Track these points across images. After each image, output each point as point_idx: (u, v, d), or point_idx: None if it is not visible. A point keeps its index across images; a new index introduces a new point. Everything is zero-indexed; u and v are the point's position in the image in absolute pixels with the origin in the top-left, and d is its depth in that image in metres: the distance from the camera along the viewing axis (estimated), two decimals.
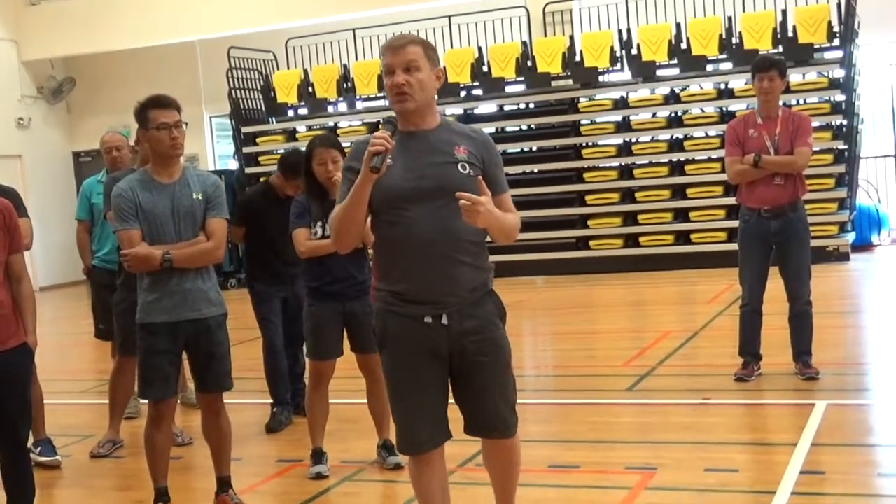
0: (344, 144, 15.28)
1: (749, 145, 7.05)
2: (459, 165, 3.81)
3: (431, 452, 3.96)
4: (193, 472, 6.04)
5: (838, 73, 14.60)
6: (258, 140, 17.52)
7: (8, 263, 4.65)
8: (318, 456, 5.79)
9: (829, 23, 14.80)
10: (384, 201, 3.79)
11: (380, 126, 3.79)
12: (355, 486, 5.61)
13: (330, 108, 17.72)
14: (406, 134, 3.84)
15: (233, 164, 18.75)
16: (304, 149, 6.00)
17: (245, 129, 17.59)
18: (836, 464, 5.44)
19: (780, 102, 7.21)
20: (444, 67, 4.06)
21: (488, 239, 3.94)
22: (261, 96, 18.08)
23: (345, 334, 5.83)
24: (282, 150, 17.46)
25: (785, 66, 7.13)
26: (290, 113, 18.03)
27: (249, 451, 6.27)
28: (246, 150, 17.53)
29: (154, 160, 5.06)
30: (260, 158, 17.38)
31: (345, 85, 17.50)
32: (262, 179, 15.61)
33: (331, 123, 17.49)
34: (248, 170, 17.11)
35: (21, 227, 4.78)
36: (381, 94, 17.28)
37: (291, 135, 17.43)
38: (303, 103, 17.75)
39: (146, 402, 5.16)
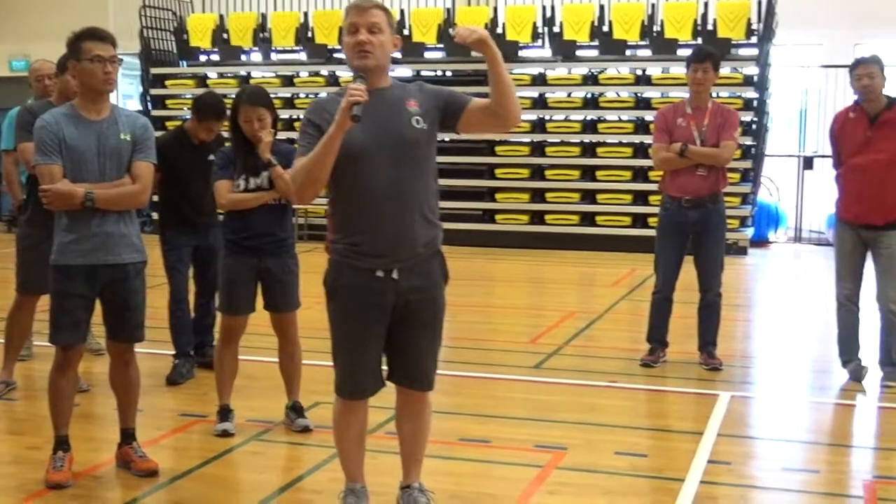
0: None
1: (677, 134, 7.10)
2: (413, 120, 4.03)
3: (365, 400, 4.24)
4: (92, 421, 5.84)
5: (753, 70, 14.87)
6: (167, 83, 17.04)
7: None
8: (224, 413, 5.66)
9: (749, 20, 15.04)
10: (344, 156, 3.94)
11: (354, 81, 3.92)
12: (261, 446, 5.50)
13: (243, 57, 17.33)
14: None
15: (132, 105, 18.19)
16: (217, 91, 5.85)
17: (154, 71, 17.09)
18: (740, 455, 5.54)
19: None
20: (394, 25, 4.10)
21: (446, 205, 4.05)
22: (173, 38, 17.57)
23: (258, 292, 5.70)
24: (191, 95, 17.08)
25: (719, 59, 7.19)
26: (203, 58, 17.59)
27: (150, 403, 6.08)
28: (154, 91, 17.04)
29: (83, 94, 4.82)
30: (168, 102, 16.92)
31: (261, 35, 17.12)
32: (168, 125, 15.32)
33: (243, 73, 17.13)
34: (155, 112, 16.62)
35: None
36: (298, 48, 17.01)
37: (202, 80, 17.00)
38: (216, 49, 17.32)
39: (42, 345, 4.94)
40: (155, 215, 14.03)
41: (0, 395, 6.36)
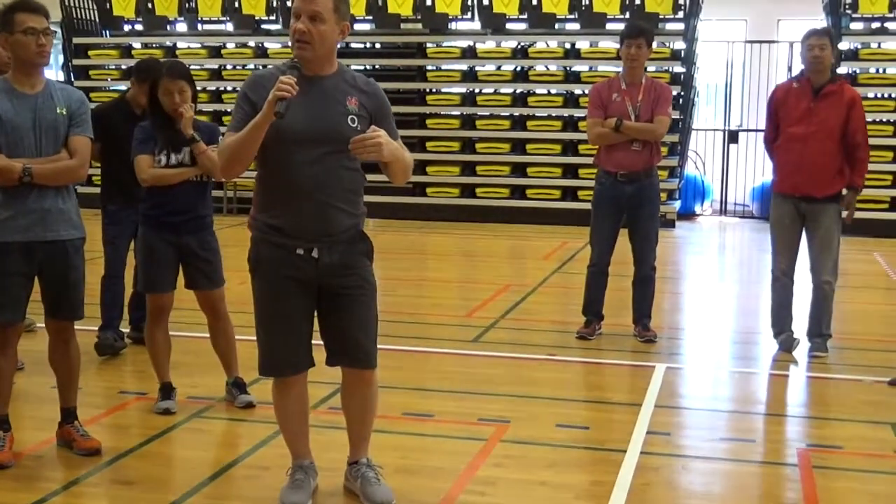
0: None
1: (611, 109, 7.17)
2: (349, 118, 4.00)
3: (292, 378, 4.23)
4: (29, 400, 5.74)
5: (680, 45, 15.06)
6: (90, 53, 16.69)
7: None
8: (166, 391, 5.61)
9: None
10: (274, 139, 3.95)
11: (287, 72, 3.89)
12: (204, 423, 5.47)
13: (169, 28, 17.04)
14: (303, 78, 3.96)
15: (51, 75, 17.76)
16: (156, 57, 5.73)
17: (76, 41, 16.72)
18: (678, 425, 5.66)
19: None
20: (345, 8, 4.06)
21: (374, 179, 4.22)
22: (95, 7, 17.20)
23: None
24: (115, 66, 16.76)
25: (653, 35, 7.28)
26: (127, 28, 17.26)
27: (88, 381, 5.98)
28: (76, 62, 16.68)
29: (16, 67, 4.72)
30: (91, 72, 16.59)
31: (187, 5, 16.86)
32: (91, 96, 15.01)
33: (168, 43, 16.86)
34: (78, 83, 16.24)
35: None
36: (225, 19, 16.78)
37: (127, 51, 16.69)
38: (140, 19, 17.01)
39: None
40: (80, 189, 13.88)
41: None
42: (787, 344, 7.03)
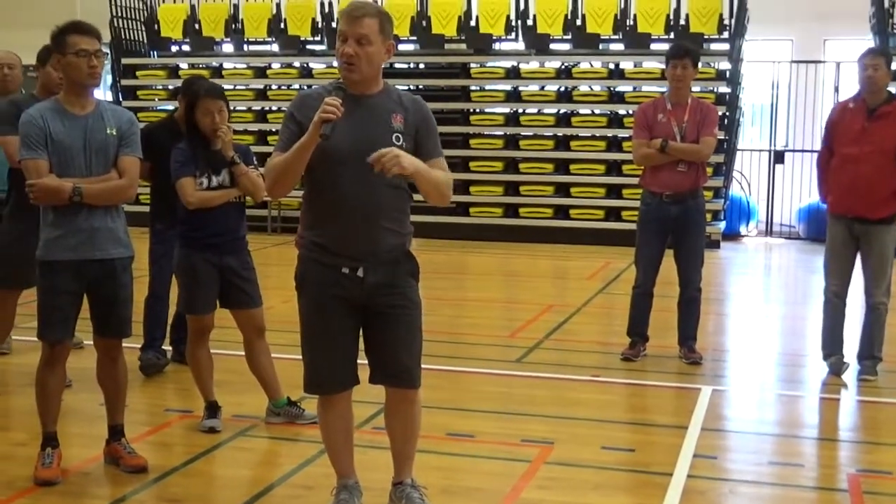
0: (227, 87, 14.83)
1: (657, 130, 7.13)
2: (394, 136, 4.00)
3: (337, 395, 4.24)
4: (77, 418, 5.79)
5: (725, 65, 14.98)
6: (138, 73, 16.91)
7: None
8: (211, 409, 5.64)
9: (721, 15, 15.14)
10: (320, 159, 3.98)
11: (333, 93, 3.91)
12: (249, 442, 5.49)
13: (215, 48, 17.23)
14: (349, 97, 3.98)
15: (99, 95, 18.00)
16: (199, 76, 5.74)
17: (125, 61, 16.95)
18: (725, 449, 5.61)
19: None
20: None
21: (420, 198, 4.17)
22: (144, 28, 17.43)
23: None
24: (162, 87, 16.97)
25: (698, 55, 7.24)
26: (174, 48, 17.47)
27: (135, 399, 6.02)
28: (124, 82, 16.90)
29: (67, 88, 4.79)
30: (139, 92, 16.79)
31: (233, 26, 17.04)
32: (139, 116, 15.19)
33: (215, 64, 17.04)
34: (125, 103, 16.45)
35: None
36: (271, 40, 16.94)
37: (174, 71, 16.89)
38: (187, 40, 17.22)
39: (20, 339, 4.89)
40: (127, 207, 14.02)
41: None
42: (836, 367, 6.93)
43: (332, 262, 4.06)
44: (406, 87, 16.33)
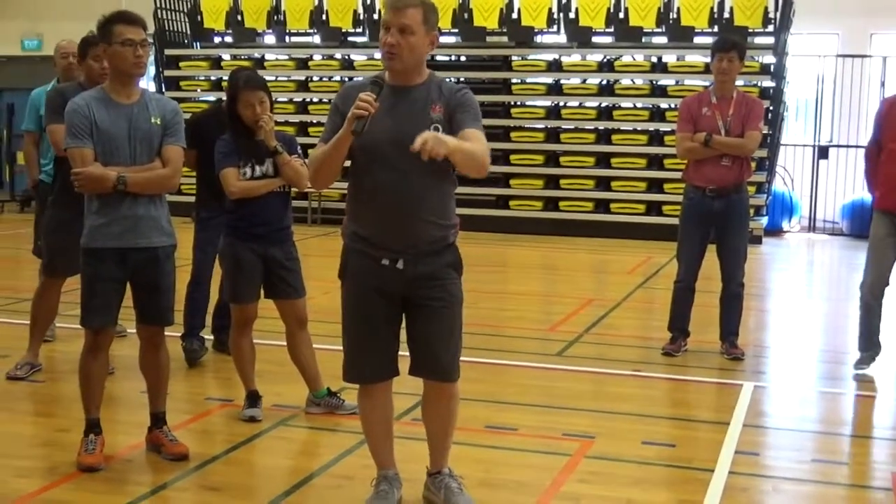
0: (269, 78, 14.89)
1: (701, 123, 7.07)
2: (433, 127, 3.95)
3: (376, 385, 4.26)
4: (118, 405, 5.84)
5: (769, 59, 14.84)
6: (181, 64, 17.02)
7: None
8: (252, 399, 5.66)
9: (766, 9, 14.99)
10: (361, 150, 3.99)
11: (370, 87, 3.90)
12: (289, 432, 5.51)
13: (257, 40, 17.31)
14: (391, 87, 3.99)
15: (144, 86, 18.17)
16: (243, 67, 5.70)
17: (168, 52, 17.07)
18: (767, 446, 5.54)
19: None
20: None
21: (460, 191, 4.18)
22: (187, 19, 17.55)
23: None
24: (204, 77, 17.07)
25: (744, 49, 7.17)
26: (217, 39, 17.58)
27: (176, 387, 6.04)
28: (167, 73, 17.02)
29: (113, 78, 4.82)
30: (181, 83, 16.91)
31: (275, 17, 17.11)
32: (182, 106, 15.31)
33: (257, 55, 17.13)
34: (168, 93, 16.57)
35: None
36: (313, 31, 16.99)
37: (216, 62, 16.99)
38: (230, 31, 17.31)
39: (64, 326, 4.93)
40: (170, 198, 14.12)
41: (26, 377, 6.37)
42: (865, 362, 6.85)
43: (373, 254, 4.06)
44: (447, 80, 16.35)
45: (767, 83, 14.75)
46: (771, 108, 14.51)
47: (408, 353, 4.25)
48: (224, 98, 6.70)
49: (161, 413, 5.07)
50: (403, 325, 4.25)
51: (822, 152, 15.73)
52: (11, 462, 4.91)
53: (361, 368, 4.23)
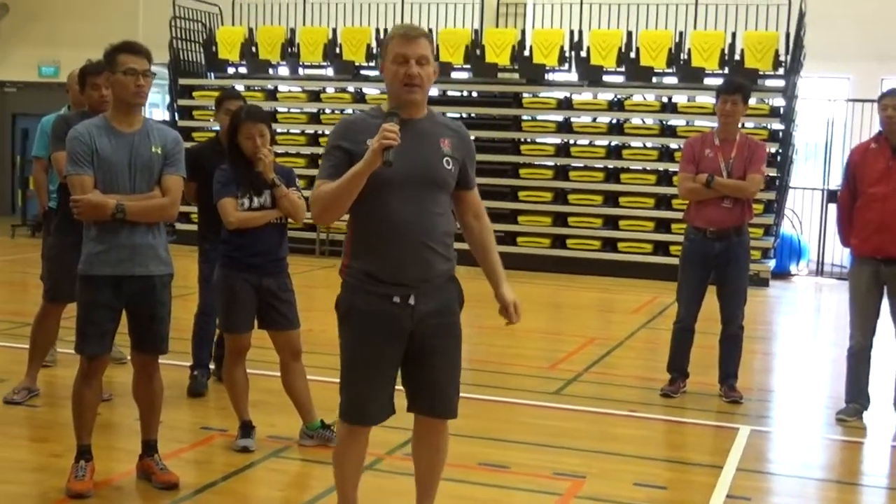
0: (281, 110, 14.92)
1: (703, 165, 7.09)
2: (444, 160, 3.99)
3: (370, 427, 4.16)
4: (113, 431, 5.87)
5: (779, 101, 14.86)
6: (194, 94, 17.15)
7: None
8: (245, 429, 5.67)
9: (777, 51, 15.04)
10: (371, 185, 3.88)
11: (386, 118, 3.86)
12: (281, 463, 5.51)
13: (271, 71, 17.44)
14: (400, 122, 3.95)
15: (158, 114, 18.37)
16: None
17: (182, 81, 17.21)
18: (760, 490, 5.52)
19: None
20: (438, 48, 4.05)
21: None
22: (202, 50, 17.71)
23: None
24: None
25: (749, 91, 7.20)
26: (231, 70, 17.71)
27: (171, 416, 6.07)
28: (181, 102, 17.15)
29: (115, 106, 4.87)
30: (195, 112, 17.02)
31: (289, 49, 17.23)
32: (194, 136, 15.42)
33: (270, 86, 17.24)
34: (182, 123, 16.73)
35: None
36: (326, 64, 17.10)
37: None
38: (244, 62, 17.45)
39: (66, 352, 4.95)
40: (179, 226, 14.22)
41: (23, 402, 6.39)
42: (851, 412, 6.83)
43: (383, 291, 3.96)
44: (458, 115, 16.44)
45: (777, 126, 14.78)
46: (780, 150, 14.53)
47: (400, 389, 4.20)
48: (220, 129, 6.76)
49: (153, 441, 5.08)
50: None
51: (832, 196, 15.69)
52: (2, 487, 4.92)
53: (367, 411, 4.09)
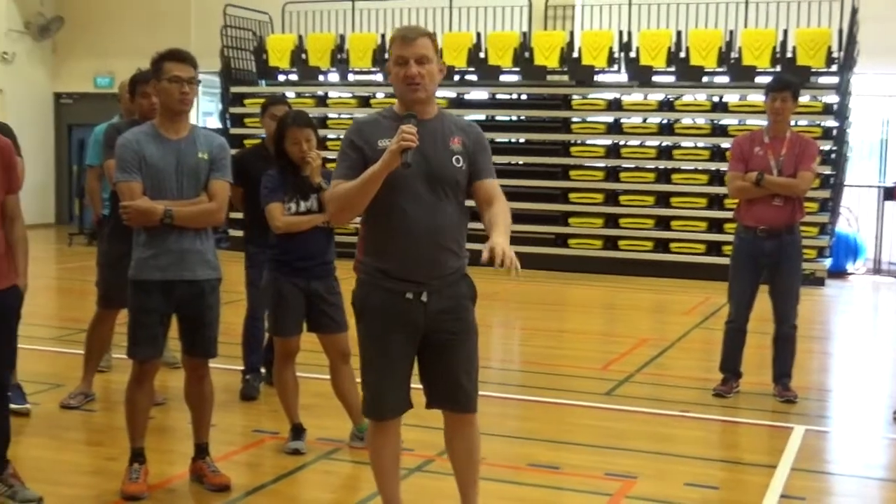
0: (332, 115, 15.07)
1: (753, 163, 7.01)
2: (454, 158, 4.06)
3: (390, 421, 4.21)
4: (167, 434, 5.94)
5: (833, 98, 14.65)
6: (246, 101, 17.30)
7: (4, 203, 4.56)
8: (297, 432, 5.71)
9: (829, 48, 14.84)
10: (383, 183, 3.94)
11: (404, 120, 3.92)
12: (332, 465, 5.54)
13: (321, 78, 17.54)
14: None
15: (211, 122, 18.57)
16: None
17: (234, 90, 17.38)
18: (815, 491, 5.44)
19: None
20: (441, 50, 4.05)
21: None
22: (253, 58, 17.87)
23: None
24: None
25: (799, 88, 7.11)
26: (281, 77, 17.85)
27: (223, 419, 6.15)
28: (233, 110, 17.32)
29: (162, 114, 4.94)
30: (246, 120, 17.15)
31: (339, 56, 17.33)
32: (246, 143, 15.56)
33: (321, 93, 17.34)
34: (233, 130, 16.89)
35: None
36: (375, 69, 17.17)
37: None
38: (294, 69, 17.58)
39: (121, 357, 5.03)
40: (231, 232, 14.37)
41: (79, 406, 6.49)
42: None
43: (396, 288, 4.04)
44: (507, 118, 16.46)
45: (831, 123, 14.57)
46: (834, 148, 14.33)
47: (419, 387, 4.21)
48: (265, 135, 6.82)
49: (204, 444, 5.13)
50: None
51: (888, 193, 15.47)
52: (58, 489, 5.00)
53: (384, 404, 4.17)
